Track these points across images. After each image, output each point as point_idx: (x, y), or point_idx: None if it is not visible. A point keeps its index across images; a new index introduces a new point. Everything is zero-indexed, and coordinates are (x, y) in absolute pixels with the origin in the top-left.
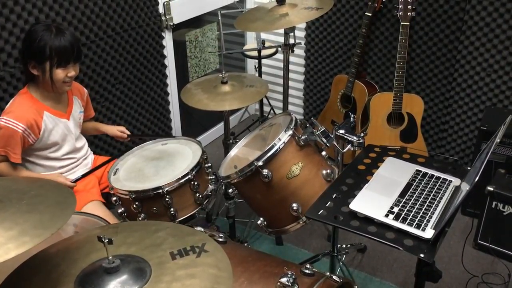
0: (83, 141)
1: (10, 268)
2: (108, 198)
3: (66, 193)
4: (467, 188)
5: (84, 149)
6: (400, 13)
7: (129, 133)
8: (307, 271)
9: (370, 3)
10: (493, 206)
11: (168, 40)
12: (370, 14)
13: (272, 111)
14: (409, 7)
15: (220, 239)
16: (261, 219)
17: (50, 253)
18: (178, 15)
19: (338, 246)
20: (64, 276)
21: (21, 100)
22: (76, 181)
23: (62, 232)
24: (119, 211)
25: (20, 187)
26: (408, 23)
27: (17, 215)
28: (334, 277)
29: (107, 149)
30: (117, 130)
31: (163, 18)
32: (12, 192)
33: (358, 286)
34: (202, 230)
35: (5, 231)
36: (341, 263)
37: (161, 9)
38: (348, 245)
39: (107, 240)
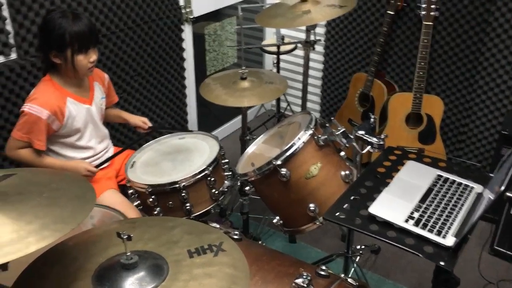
0: (105, 131)
1: (28, 259)
2: (124, 190)
3: (86, 188)
4: (491, 197)
5: (106, 141)
6: (423, 13)
7: (150, 124)
8: (322, 273)
9: (392, 1)
10: None
11: (187, 33)
12: (393, 13)
13: (288, 107)
14: (432, 6)
15: (235, 237)
16: (277, 218)
17: (68, 246)
18: (198, 8)
19: (352, 247)
20: (82, 271)
21: (44, 87)
22: (98, 166)
23: (80, 224)
24: (135, 203)
25: (40, 179)
26: (431, 23)
27: (38, 208)
28: (349, 280)
29: (124, 140)
30: (140, 120)
31: (183, 11)
32: (33, 185)
33: None
34: (218, 226)
35: (25, 224)
36: (355, 264)
37: (181, 2)
38: (362, 246)
39: (126, 237)
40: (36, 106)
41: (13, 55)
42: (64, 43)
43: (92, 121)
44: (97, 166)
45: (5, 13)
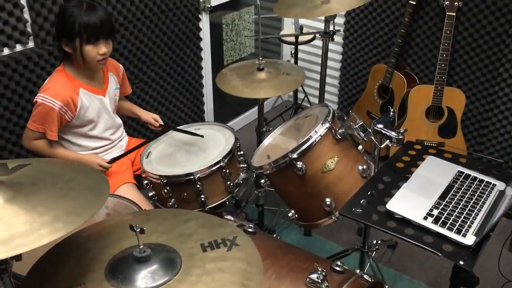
0: (119, 121)
1: (42, 248)
2: (139, 180)
3: (99, 179)
4: None
5: (120, 131)
6: (446, 3)
7: (162, 122)
8: (337, 268)
9: None
10: None
11: (205, 22)
12: (415, 2)
13: (306, 99)
14: None
15: (250, 230)
16: (292, 211)
17: (82, 237)
18: None
19: (368, 241)
20: (95, 262)
21: (57, 78)
22: (111, 162)
23: (94, 214)
24: (150, 194)
25: (54, 170)
26: (454, 14)
27: (51, 200)
28: (365, 276)
29: (140, 130)
30: (151, 117)
31: (200, 0)
32: (47, 175)
33: (387, 284)
34: (232, 219)
35: (38, 216)
36: (370, 259)
37: None
38: (379, 241)
39: (139, 230)
40: (48, 97)
41: (31, 44)
42: (73, 32)
43: (105, 111)
44: (110, 162)
45: (23, 1)
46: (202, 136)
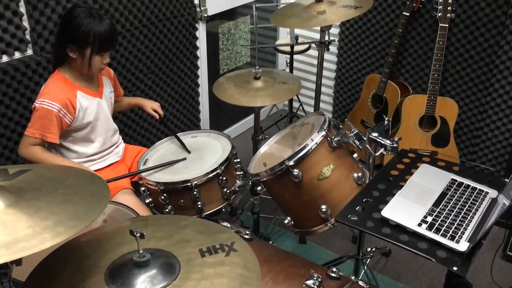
0: (115, 126)
1: (41, 254)
2: (136, 187)
3: (100, 185)
4: (506, 202)
5: (116, 136)
6: (439, 14)
7: (161, 112)
8: (333, 275)
9: (408, 2)
10: None
11: (201, 31)
12: (408, 14)
13: (301, 107)
14: (449, 8)
15: (246, 236)
16: (288, 218)
17: (81, 242)
18: (213, 7)
19: (363, 249)
20: (95, 267)
21: (53, 82)
22: (109, 182)
23: (95, 219)
24: (147, 201)
25: (55, 175)
26: (447, 25)
27: (53, 205)
28: (360, 282)
29: (136, 138)
30: (151, 108)
31: (197, 9)
32: (48, 181)
33: None
34: (229, 226)
35: (40, 220)
36: (365, 266)
37: (196, 0)
38: (373, 249)
39: (139, 235)
40: (46, 100)
41: (29, 51)
42: (87, 41)
43: (103, 114)
44: (108, 181)
45: (22, 9)
46: (189, 152)
